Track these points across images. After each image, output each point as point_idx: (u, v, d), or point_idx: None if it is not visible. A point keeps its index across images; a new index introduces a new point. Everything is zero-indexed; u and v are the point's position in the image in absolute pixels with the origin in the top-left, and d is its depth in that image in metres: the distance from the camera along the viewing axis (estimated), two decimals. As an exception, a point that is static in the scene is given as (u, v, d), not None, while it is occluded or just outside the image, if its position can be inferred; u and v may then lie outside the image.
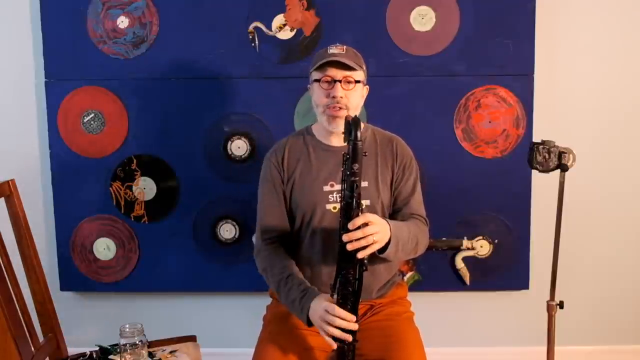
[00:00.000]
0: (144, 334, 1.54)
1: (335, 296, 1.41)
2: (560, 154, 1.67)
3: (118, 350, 1.56)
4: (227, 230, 2.25)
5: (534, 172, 2.02)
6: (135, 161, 2.22)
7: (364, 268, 1.39)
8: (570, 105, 2.21)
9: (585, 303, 2.30)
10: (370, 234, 1.35)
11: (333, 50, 1.57)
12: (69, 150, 2.21)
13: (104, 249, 2.26)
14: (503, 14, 2.11)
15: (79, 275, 2.27)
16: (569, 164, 1.68)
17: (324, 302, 1.41)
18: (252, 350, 1.57)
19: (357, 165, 1.34)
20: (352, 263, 1.38)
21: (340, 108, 1.55)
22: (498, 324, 2.34)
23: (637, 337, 2.33)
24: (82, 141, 2.21)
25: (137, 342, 1.51)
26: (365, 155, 1.38)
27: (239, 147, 2.21)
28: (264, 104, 2.17)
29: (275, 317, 1.66)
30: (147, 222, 2.25)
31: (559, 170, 1.69)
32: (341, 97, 1.55)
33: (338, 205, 1.53)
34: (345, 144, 1.37)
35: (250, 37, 2.15)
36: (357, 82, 1.58)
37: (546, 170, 1.70)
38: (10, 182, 1.67)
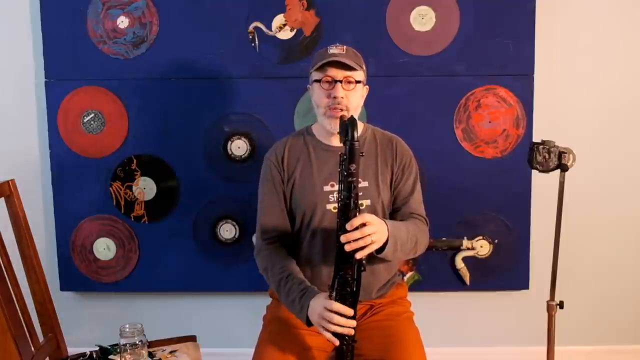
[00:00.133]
0: (144, 334, 1.54)
1: (333, 296, 1.40)
2: (560, 154, 1.67)
3: (118, 350, 1.56)
4: (227, 230, 2.25)
5: (534, 172, 2.02)
6: (135, 161, 2.22)
7: (363, 268, 1.39)
8: (570, 105, 2.21)
9: (585, 303, 2.30)
10: (368, 234, 1.35)
11: (333, 50, 1.57)
12: (69, 150, 2.21)
13: (104, 249, 2.26)
14: (503, 14, 2.11)
15: (79, 275, 2.27)
16: (569, 164, 1.68)
17: (323, 300, 1.41)
18: (252, 350, 1.57)
19: (354, 165, 1.33)
20: (350, 263, 1.37)
21: (342, 109, 1.55)
22: (498, 324, 2.34)
23: (637, 337, 2.33)
24: (82, 141, 2.21)
25: (137, 342, 1.51)
26: (362, 156, 1.38)
27: (239, 147, 2.21)
28: (264, 104, 2.17)
29: (275, 317, 1.66)
30: (147, 222, 2.25)
31: (559, 170, 1.69)
32: (342, 98, 1.55)
33: (338, 206, 1.54)
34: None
35: (250, 37, 2.15)
36: (358, 82, 1.58)
37: (546, 170, 1.70)
38: (10, 182, 1.66)
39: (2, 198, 1.65)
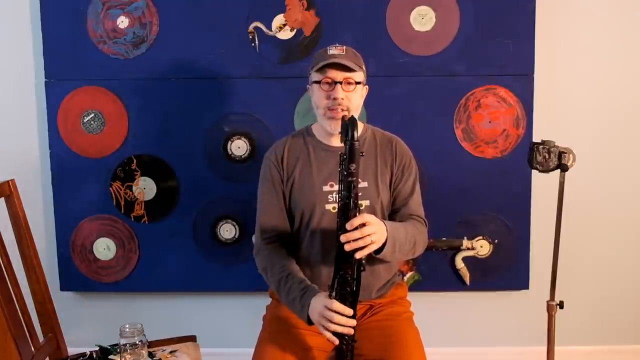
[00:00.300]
0: (144, 334, 1.54)
1: (333, 296, 1.40)
2: (560, 154, 1.67)
3: (118, 350, 1.56)
4: (227, 230, 2.25)
5: (534, 172, 2.02)
6: (135, 161, 2.22)
7: (362, 268, 1.39)
8: (570, 105, 2.21)
9: (585, 303, 2.30)
10: (368, 234, 1.35)
11: (333, 51, 1.57)
12: (69, 150, 2.21)
13: (104, 249, 2.26)
14: (503, 14, 2.11)
15: (79, 275, 2.27)
16: (569, 164, 1.67)
17: (323, 299, 1.41)
18: (252, 350, 1.57)
19: (354, 165, 1.33)
20: (350, 263, 1.38)
21: (342, 110, 1.55)
22: (498, 324, 2.34)
23: (637, 337, 2.33)
24: (82, 141, 2.21)
25: (137, 342, 1.51)
26: (362, 156, 1.38)
27: (239, 147, 2.21)
28: (264, 104, 2.17)
29: (275, 317, 1.66)
30: (147, 222, 2.25)
31: (559, 170, 1.69)
32: (342, 99, 1.54)
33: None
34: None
35: (250, 37, 2.15)
36: (358, 83, 1.58)
37: (546, 170, 1.70)
38: (10, 182, 1.67)
39: (2, 198, 1.65)
